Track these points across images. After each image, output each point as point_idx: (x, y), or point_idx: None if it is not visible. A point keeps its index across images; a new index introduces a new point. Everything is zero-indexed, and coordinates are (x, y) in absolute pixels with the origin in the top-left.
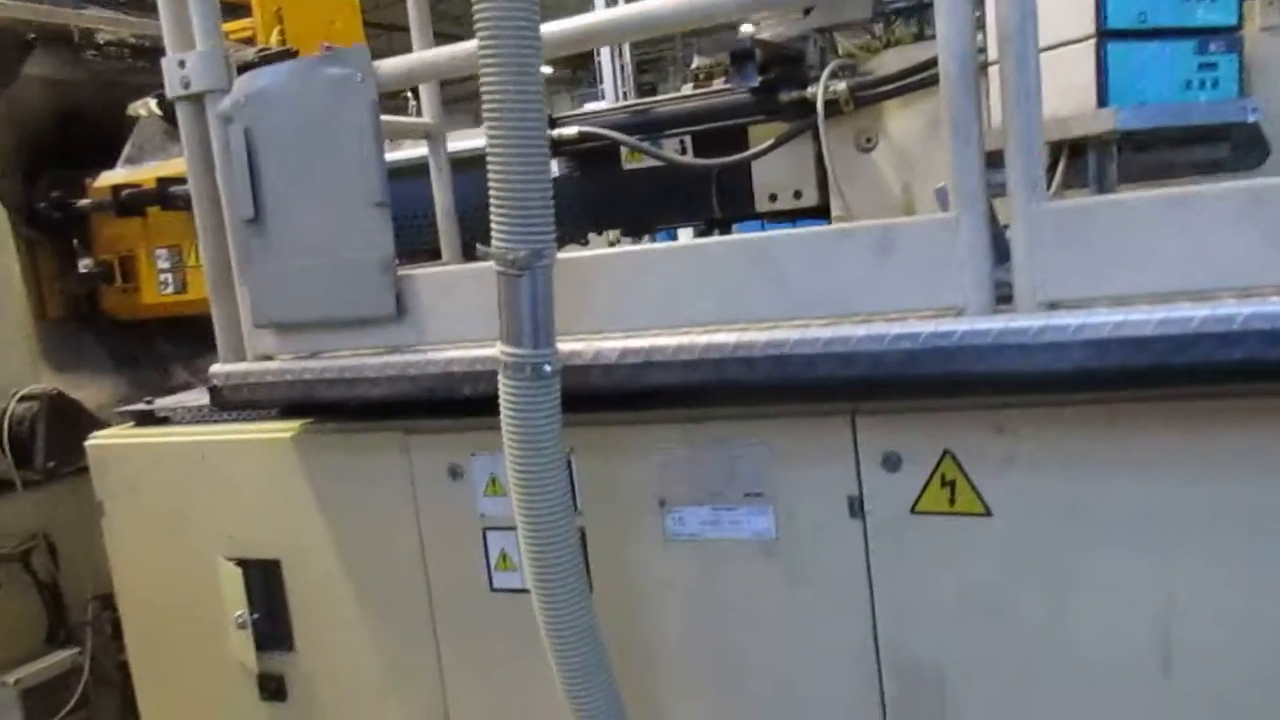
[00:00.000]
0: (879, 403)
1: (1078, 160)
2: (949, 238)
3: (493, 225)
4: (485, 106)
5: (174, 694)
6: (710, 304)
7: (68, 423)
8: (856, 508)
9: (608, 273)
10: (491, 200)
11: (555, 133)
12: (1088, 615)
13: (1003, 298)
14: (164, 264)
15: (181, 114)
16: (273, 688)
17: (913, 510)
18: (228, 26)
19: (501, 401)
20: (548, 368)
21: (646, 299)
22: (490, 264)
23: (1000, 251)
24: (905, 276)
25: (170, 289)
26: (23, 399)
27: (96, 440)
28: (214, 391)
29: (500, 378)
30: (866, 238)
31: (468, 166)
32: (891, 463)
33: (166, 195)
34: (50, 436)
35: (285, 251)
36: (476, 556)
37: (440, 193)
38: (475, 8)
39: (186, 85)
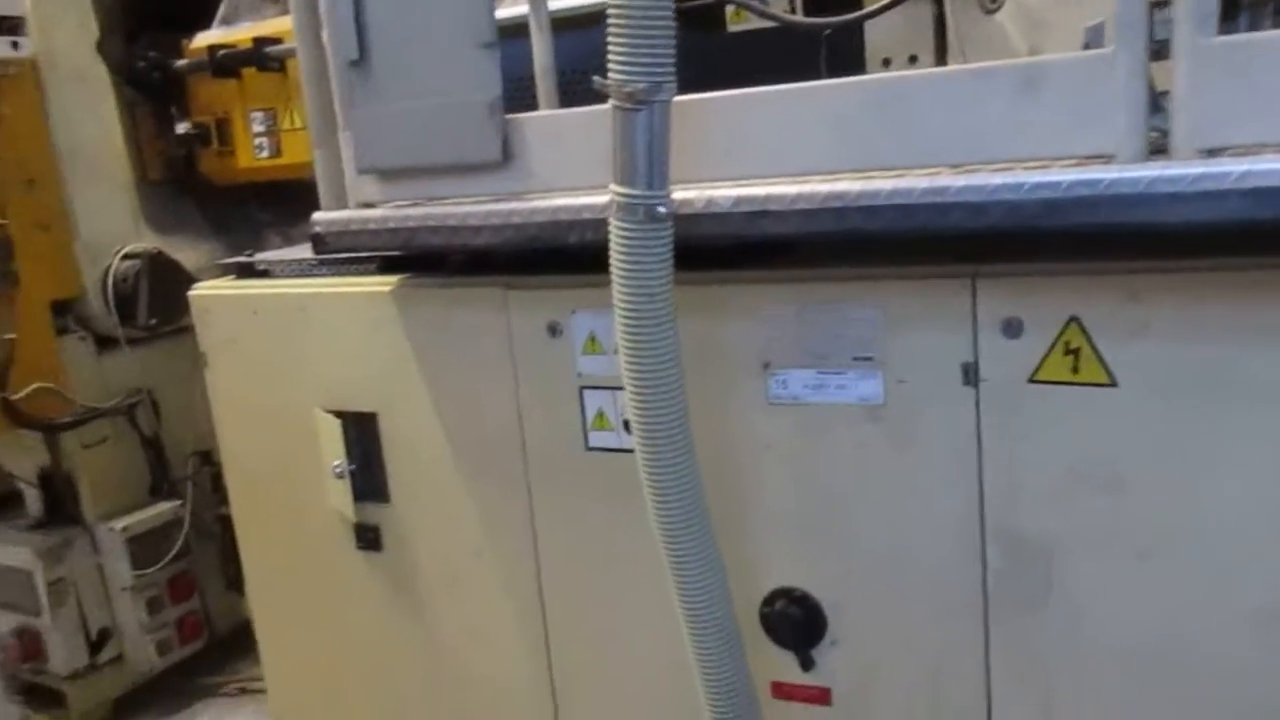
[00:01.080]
0: (1003, 265)
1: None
2: (1103, 76)
3: (610, 55)
4: None
5: (273, 542)
6: (832, 150)
7: (168, 281)
8: (971, 375)
9: (721, 115)
10: (610, 28)
11: None
12: (1217, 496)
13: (1156, 150)
14: (259, 127)
15: None
16: (369, 538)
17: (1031, 379)
18: None
19: (611, 245)
20: (662, 209)
21: (763, 144)
22: (604, 105)
23: (1151, 103)
24: (1049, 120)
25: (265, 153)
26: (125, 257)
27: (199, 291)
28: (316, 239)
29: (611, 220)
30: (1007, 77)
31: (564, 26)
32: (1012, 328)
33: (262, 56)
34: (153, 294)
35: (389, 94)
36: (573, 415)
37: (540, 51)
38: None
39: None
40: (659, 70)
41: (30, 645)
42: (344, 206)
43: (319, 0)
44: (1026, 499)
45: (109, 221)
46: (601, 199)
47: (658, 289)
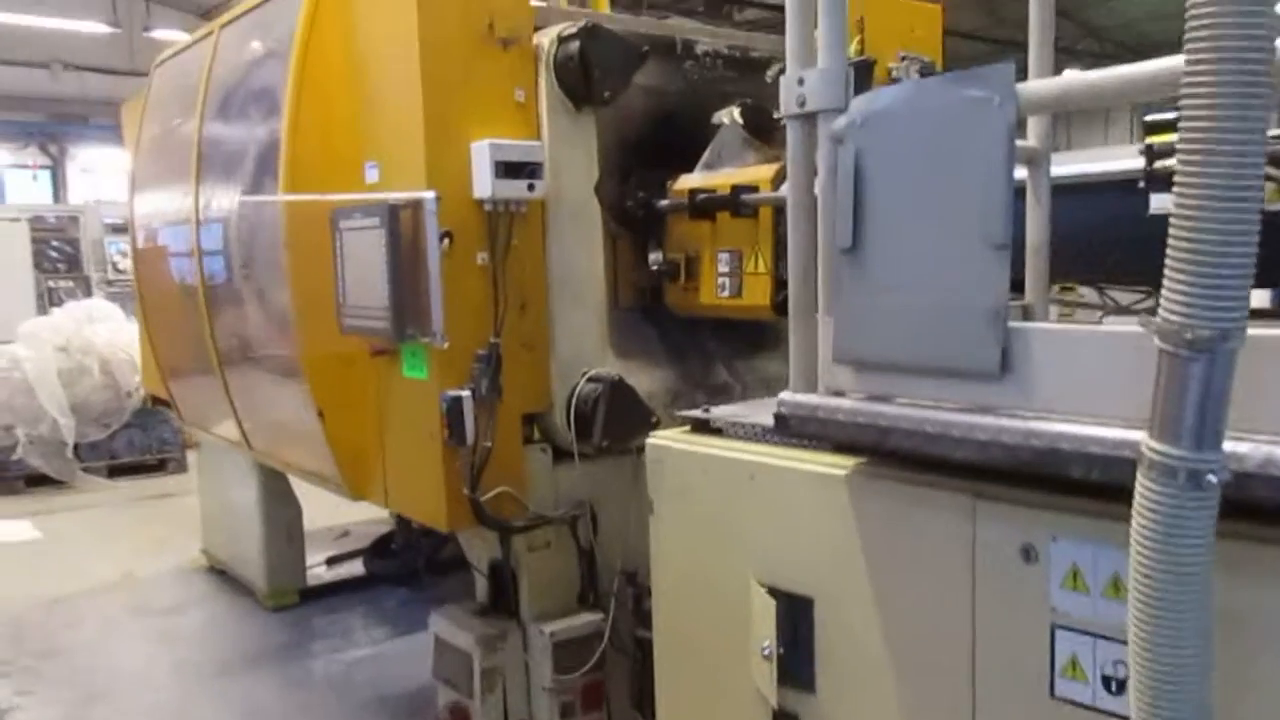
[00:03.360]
0: None
1: None
2: None
3: (1166, 291)
4: (1185, 141)
5: (689, 697)
6: None
7: (623, 406)
8: None
9: None
10: (1170, 260)
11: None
12: None
13: None
14: (724, 267)
15: (791, 132)
16: None
17: None
18: None
19: (1136, 505)
20: (1211, 477)
21: None
22: (1130, 325)
23: None
24: None
25: (726, 292)
26: (590, 379)
27: (656, 440)
28: (780, 420)
29: (1140, 476)
30: None
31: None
32: None
33: (738, 201)
34: (609, 417)
35: (881, 286)
36: (1038, 653)
37: (1035, 225)
38: (1191, 10)
39: (802, 103)
40: (1229, 314)
41: None
42: (813, 390)
43: (819, 182)
44: None
45: (581, 344)
46: (1116, 433)
47: (1191, 568)
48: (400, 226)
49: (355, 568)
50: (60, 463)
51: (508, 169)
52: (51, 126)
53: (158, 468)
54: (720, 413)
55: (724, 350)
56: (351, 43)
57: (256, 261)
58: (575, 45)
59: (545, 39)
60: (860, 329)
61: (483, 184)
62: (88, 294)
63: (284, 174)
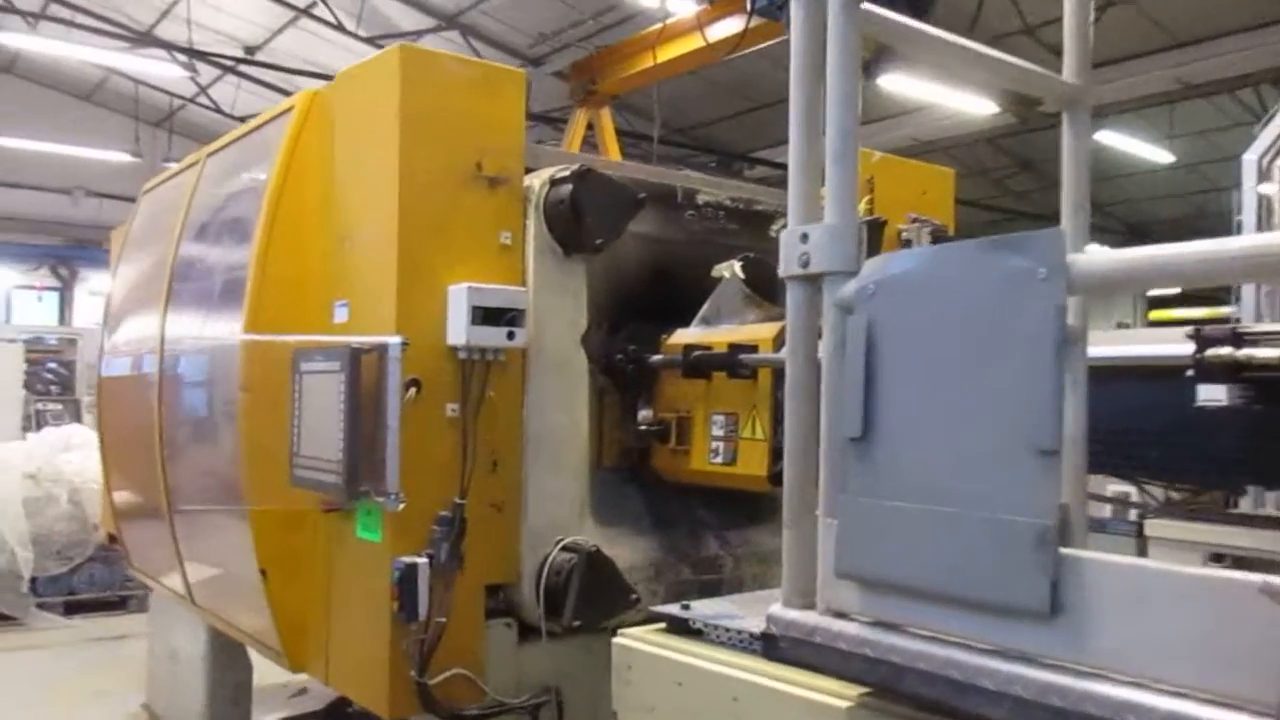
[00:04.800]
0: None
1: None
2: None
3: None
4: None
5: None
6: None
7: (600, 581)
8: None
9: None
10: None
11: (1244, 353)
12: None
13: None
14: (718, 430)
15: (792, 294)
16: None
17: None
18: None
19: None
20: None
21: None
22: (1220, 570)
23: None
24: None
25: (720, 458)
26: (564, 548)
27: (624, 640)
28: (769, 640)
29: None
30: None
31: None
32: None
33: (735, 361)
34: (582, 593)
35: (894, 487)
36: None
37: (1073, 413)
38: None
39: (805, 263)
40: None
41: None
42: (809, 606)
43: (822, 356)
44: None
45: (557, 508)
46: (1210, 713)
47: None
48: (361, 372)
49: None
50: (14, 598)
51: (486, 315)
52: (65, 250)
53: (118, 605)
54: (702, 610)
55: (715, 520)
56: (331, 173)
57: (214, 400)
58: (567, 189)
59: (536, 180)
60: (868, 538)
61: (457, 330)
62: (76, 418)
63: (247, 310)
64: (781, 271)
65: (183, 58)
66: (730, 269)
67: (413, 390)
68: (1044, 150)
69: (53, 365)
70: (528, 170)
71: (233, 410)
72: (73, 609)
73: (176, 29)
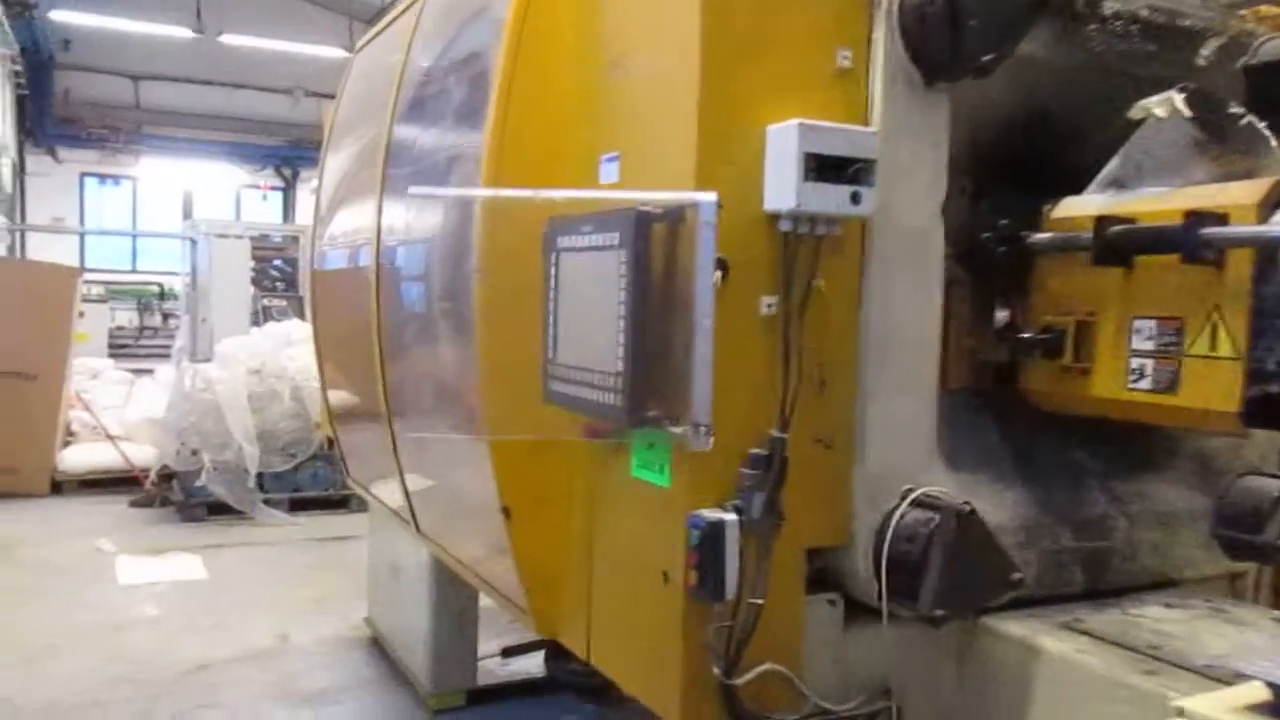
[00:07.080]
0: None
1: None
2: None
3: None
4: None
5: None
6: None
7: (970, 553)
8: None
9: None
10: None
11: None
12: None
13: None
14: (1144, 342)
15: None
16: None
17: None
18: None
19: None
20: None
21: None
22: None
23: None
24: None
25: (1145, 382)
26: (917, 503)
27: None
28: None
29: None
30: None
31: None
32: None
33: (1194, 240)
34: (950, 570)
35: None
36: None
37: None
38: None
39: None
40: None
41: None
42: None
43: None
44: None
45: (903, 445)
46: None
47: None
48: (652, 248)
49: (535, 662)
50: (242, 492)
51: (823, 167)
52: (287, 150)
53: (340, 504)
54: None
55: (1098, 465)
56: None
57: (444, 288)
58: None
59: None
60: None
61: (783, 189)
62: (300, 314)
63: (485, 163)
64: None
65: None
66: (1167, 104)
67: (717, 274)
68: None
69: (278, 262)
70: None
71: (465, 302)
72: (296, 506)
73: None
